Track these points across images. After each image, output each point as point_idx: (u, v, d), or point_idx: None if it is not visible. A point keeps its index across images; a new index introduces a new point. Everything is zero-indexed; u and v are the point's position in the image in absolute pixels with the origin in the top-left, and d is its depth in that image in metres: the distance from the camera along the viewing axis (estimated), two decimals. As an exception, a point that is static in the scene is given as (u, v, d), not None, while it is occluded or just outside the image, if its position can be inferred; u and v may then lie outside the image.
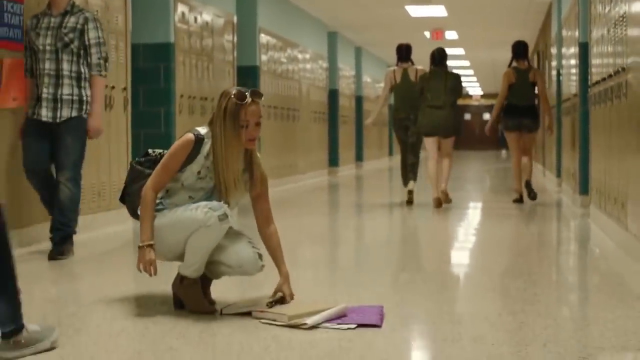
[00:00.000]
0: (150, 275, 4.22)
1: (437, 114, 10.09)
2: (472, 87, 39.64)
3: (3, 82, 6.38)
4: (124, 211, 8.11)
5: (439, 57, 10.33)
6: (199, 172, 4.30)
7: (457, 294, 5.24)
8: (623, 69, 6.56)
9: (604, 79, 7.56)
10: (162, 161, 4.34)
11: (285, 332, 3.93)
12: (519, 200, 10.67)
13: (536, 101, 11.21)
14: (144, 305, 4.55)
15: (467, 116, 42.63)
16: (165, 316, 4.27)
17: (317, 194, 13.40)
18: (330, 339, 3.84)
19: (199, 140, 4.28)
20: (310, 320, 4.03)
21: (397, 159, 27.73)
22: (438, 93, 10.10)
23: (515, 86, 10.54)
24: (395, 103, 10.70)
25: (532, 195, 10.60)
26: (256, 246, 4.37)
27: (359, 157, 21.68)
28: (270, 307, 4.18)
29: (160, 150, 4.61)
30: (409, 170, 10.58)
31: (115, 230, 7.86)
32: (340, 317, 4.15)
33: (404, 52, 10.86)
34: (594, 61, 8.53)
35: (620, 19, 6.70)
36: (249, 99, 4.22)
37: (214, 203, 4.20)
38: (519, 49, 10.77)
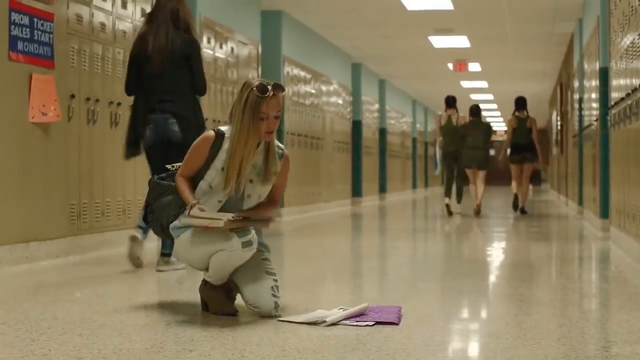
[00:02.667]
0: (203, 210, 4.21)
1: (475, 153, 13.90)
2: (497, 123, 39.69)
3: (31, 98, 6.55)
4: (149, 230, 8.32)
5: (475, 110, 14.32)
6: (223, 169, 4.34)
7: (475, 299, 5.31)
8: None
9: (622, 99, 7.64)
10: (186, 157, 4.44)
11: (304, 328, 4.02)
12: (521, 211, 14.47)
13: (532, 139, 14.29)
14: (167, 307, 4.66)
15: (492, 152, 42.68)
16: (188, 315, 4.38)
17: (343, 221, 13.49)
18: (348, 334, 3.92)
19: (219, 135, 4.36)
20: (329, 319, 4.11)
21: (420, 192, 27.83)
22: (476, 137, 13.91)
23: (517, 130, 14.22)
24: (445, 139, 14.17)
25: (523, 211, 14.48)
26: (277, 293, 4.36)
27: (382, 189, 21.76)
28: (235, 218, 4.15)
29: (179, 164, 4.62)
30: (457, 194, 14.71)
31: (139, 247, 7.97)
32: (359, 315, 4.23)
33: (450, 102, 14.35)
34: (614, 83, 8.62)
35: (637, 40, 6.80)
36: (270, 92, 4.27)
37: (244, 229, 4.19)
38: (520, 103, 14.43)
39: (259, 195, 4.44)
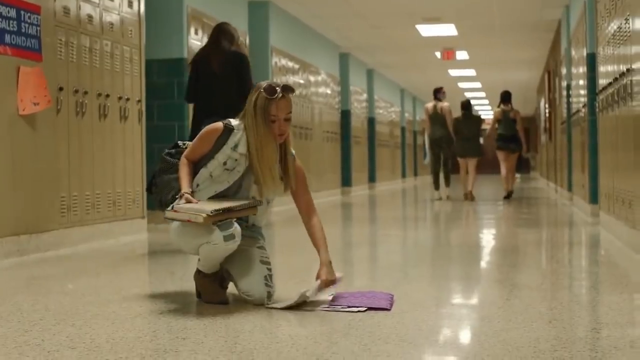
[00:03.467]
0: (194, 202, 4.20)
1: (467, 143, 15.33)
2: (485, 112, 39.74)
3: (19, 91, 6.54)
4: (139, 221, 8.35)
5: (467, 105, 15.85)
6: (224, 163, 4.34)
7: (467, 285, 5.34)
8: (628, 70, 6.67)
9: (609, 84, 7.66)
10: (193, 142, 4.44)
11: (296, 315, 4.03)
12: (507, 197, 15.57)
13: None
14: (160, 297, 4.67)
15: (480, 140, 42.68)
16: (180, 304, 4.39)
17: (333, 210, 13.50)
18: (340, 318, 3.94)
19: (228, 129, 4.35)
20: (309, 292, 4.17)
21: (409, 181, 27.87)
22: (468, 130, 15.39)
23: (502, 121, 15.38)
24: (432, 128, 15.25)
25: (509, 197, 15.65)
26: (270, 283, 4.36)
27: (371, 178, 21.78)
28: (213, 213, 4.11)
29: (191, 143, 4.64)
30: (444, 177, 15.62)
31: (130, 239, 7.99)
32: (341, 298, 4.28)
33: (436, 92, 15.49)
34: (601, 69, 8.64)
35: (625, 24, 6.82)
36: (279, 94, 4.25)
37: (226, 222, 4.18)
38: (506, 97, 15.65)
39: (267, 201, 4.46)
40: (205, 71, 7.04)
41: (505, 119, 15.32)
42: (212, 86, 7.01)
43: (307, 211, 4.51)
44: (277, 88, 4.25)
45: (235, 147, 4.35)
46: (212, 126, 4.40)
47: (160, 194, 4.57)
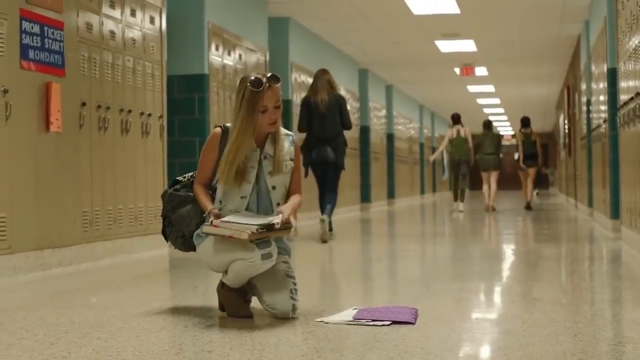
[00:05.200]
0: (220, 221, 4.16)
1: (489, 158, 17.33)
2: (504, 128, 39.69)
3: (51, 106, 6.60)
4: (160, 237, 8.35)
5: (488, 124, 18.01)
6: None
7: (490, 299, 5.33)
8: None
9: (631, 99, 7.65)
10: (198, 162, 4.48)
11: (321, 328, 4.03)
12: (528, 207, 17.83)
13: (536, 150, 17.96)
14: (183, 311, 4.67)
15: (500, 155, 42.62)
16: (204, 318, 4.40)
17: (353, 226, 13.49)
18: (365, 332, 3.94)
19: (225, 131, 4.40)
20: (276, 221, 4.18)
21: (428, 197, 27.83)
22: (489, 146, 17.42)
23: (525, 143, 17.93)
24: (452, 149, 17.16)
25: (529, 207, 17.83)
26: (295, 296, 4.36)
27: (390, 194, 21.76)
28: (259, 230, 4.11)
29: (192, 173, 4.65)
30: (460, 194, 17.36)
31: (152, 254, 8.01)
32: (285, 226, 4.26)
33: (456, 118, 17.48)
34: (622, 85, 8.63)
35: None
36: (265, 85, 4.29)
37: (264, 240, 4.17)
38: (525, 121, 18.19)
39: (284, 185, 4.45)
40: (315, 108, 9.55)
41: (526, 140, 17.90)
42: (322, 120, 9.54)
43: (292, 192, 4.50)
44: (263, 79, 4.29)
45: None
46: (212, 133, 4.44)
47: (181, 227, 4.52)
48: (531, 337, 3.81)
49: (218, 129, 4.43)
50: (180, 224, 4.51)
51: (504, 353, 3.51)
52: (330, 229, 9.71)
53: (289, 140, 4.50)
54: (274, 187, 4.40)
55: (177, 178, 4.69)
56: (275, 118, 4.34)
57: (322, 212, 9.71)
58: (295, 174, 4.52)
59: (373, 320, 4.16)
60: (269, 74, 4.33)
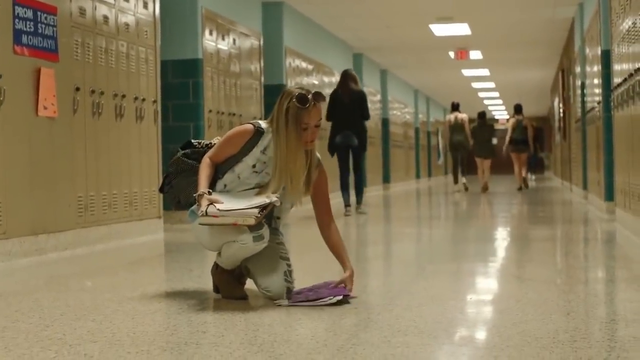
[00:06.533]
0: (218, 209, 4.08)
1: (482, 146, 18.83)
2: (498, 111, 39.70)
3: (40, 91, 6.58)
4: (155, 221, 8.39)
5: (482, 115, 19.54)
6: (254, 166, 4.32)
7: (484, 280, 5.35)
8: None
9: (625, 80, 7.66)
10: (219, 142, 4.40)
11: (315, 310, 4.04)
12: (520, 189, 19.12)
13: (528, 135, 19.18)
14: (178, 294, 4.68)
15: (494, 140, 42.69)
16: (199, 300, 4.41)
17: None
18: (358, 312, 3.96)
19: (258, 132, 4.31)
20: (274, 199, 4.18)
21: (423, 181, 27.85)
22: (483, 135, 18.90)
23: (516, 129, 19.21)
24: (451, 134, 18.73)
25: (522, 189, 19.20)
26: (289, 278, 4.34)
27: (386, 179, 21.78)
28: (260, 214, 4.09)
29: (208, 142, 4.59)
30: (461, 172, 19.02)
31: (147, 239, 8.02)
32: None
33: (455, 106, 19.14)
34: (616, 67, 8.64)
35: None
36: (311, 102, 4.22)
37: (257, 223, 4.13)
38: (518, 108, 19.56)
39: (291, 203, 4.44)
40: (340, 102, 11.34)
41: (518, 126, 19.23)
42: (346, 113, 11.30)
43: (325, 217, 4.49)
44: (309, 96, 4.21)
45: (265, 150, 4.31)
46: (243, 127, 4.34)
47: (179, 194, 4.53)
48: (524, 315, 3.83)
49: (250, 127, 4.32)
50: (179, 192, 4.54)
51: (497, 331, 3.53)
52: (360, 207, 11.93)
53: (315, 159, 4.44)
54: (280, 203, 4.34)
55: (192, 140, 4.63)
56: (314, 137, 4.29)
57: (349, 203, 11.76)
58: (324, 197, 4.49)
59: (313, 301, 4.15)
60: (313, 91, 4.26)
